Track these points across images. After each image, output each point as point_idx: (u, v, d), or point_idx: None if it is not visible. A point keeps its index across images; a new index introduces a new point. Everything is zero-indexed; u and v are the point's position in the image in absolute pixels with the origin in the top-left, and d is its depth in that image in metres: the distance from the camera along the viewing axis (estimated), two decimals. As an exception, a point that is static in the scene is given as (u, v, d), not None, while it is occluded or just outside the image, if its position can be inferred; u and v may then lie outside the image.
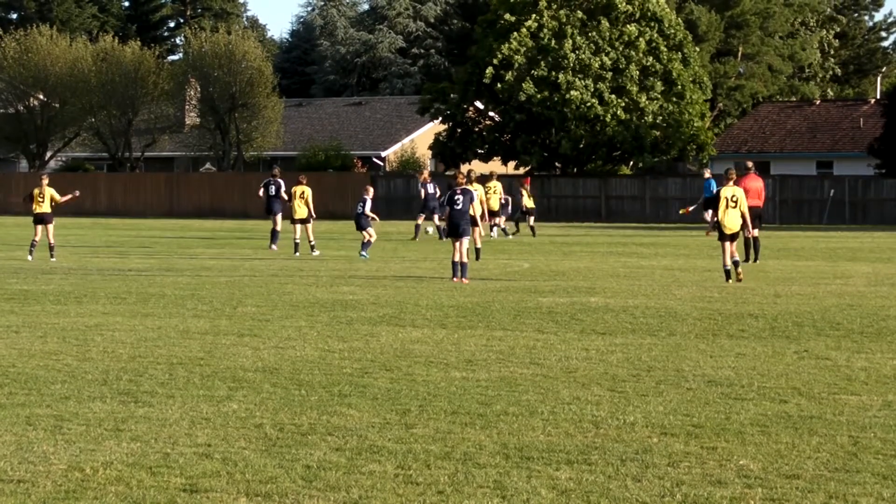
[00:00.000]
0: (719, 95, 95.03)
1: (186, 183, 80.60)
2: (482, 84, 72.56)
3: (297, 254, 35.87)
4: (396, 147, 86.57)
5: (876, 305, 21.48)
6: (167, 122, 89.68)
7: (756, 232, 33.23)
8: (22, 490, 8.88)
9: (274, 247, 38.06)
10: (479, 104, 75.36)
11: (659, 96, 71.97)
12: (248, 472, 9.41)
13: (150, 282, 26.15)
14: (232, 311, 20.29)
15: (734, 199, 26.11)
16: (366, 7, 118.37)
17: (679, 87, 72.16)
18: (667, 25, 73.29)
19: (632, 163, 75.50)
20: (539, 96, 70.79)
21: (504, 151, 74.67)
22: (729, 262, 26.23)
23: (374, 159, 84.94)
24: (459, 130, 75.28)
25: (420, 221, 46.34)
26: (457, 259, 26.50)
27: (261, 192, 39.88)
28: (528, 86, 70.90)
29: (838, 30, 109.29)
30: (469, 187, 27.75)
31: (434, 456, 9.90)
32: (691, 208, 58.05)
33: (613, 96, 71.15)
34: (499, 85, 71.70)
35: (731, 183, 26.56)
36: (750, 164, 34.89)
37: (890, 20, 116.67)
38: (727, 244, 26.12)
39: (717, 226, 26.57)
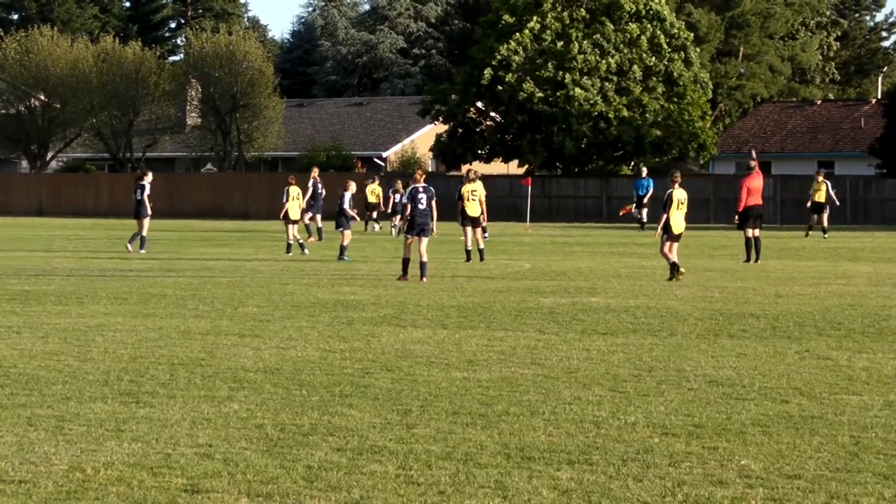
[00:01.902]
0: (720, 96, 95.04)
1: (187, 183, 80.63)
2: (482, 85, 72.61)
3: (305, 252, 35.93)
4: (397, 147, 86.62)
5: (877, 305, 21.48)
6: (168, 123, 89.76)
7: (757, 232, 33.26)
8: (23, 490, 8.88)
9: (142, 251, 36.64)
10: (479, 105, 75.41)
11: (660, 96, 72.02)
12: (250, 472, 9.41)
13: (151, 282, 26.15)
14: (233, 312, 20.29)
15: (683, 201, 26.97)
16: (367, 7, 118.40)
17: (681, 87, 72.22)
18: (669, 25, 73.38)
19: (633, 163, 75.54)
20: (539, 95, 70.78)
21: (506, 152, 74.71)
22: (674, 257, 26.78)
23: (375, 160, 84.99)
24: (461, 131, 75.34)
25: (310, 222, 45.01)
26: (410, 257, 26.70)
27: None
28: (528, 85, 70.91)
29: (839, 33, 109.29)
30: (426, 185, 28.02)
31: (435, 456, 9.90)
32: (632, 208, 58.23)
33: (617, 96, 71.23)
34: (499, 87, 71.74)
35: (678, 185, 27.22)
36: (753, 162, 34.68)
37: (891, 20, 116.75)
38: (673, 244, 26.74)
39: (666, 226, 26.82)
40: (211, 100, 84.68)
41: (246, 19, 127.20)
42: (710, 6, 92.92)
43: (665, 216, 26.88)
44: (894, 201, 67.87)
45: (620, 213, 60.57)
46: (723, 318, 19.46)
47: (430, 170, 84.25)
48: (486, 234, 43.86)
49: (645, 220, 56.27)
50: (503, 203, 70.70)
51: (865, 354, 15.50)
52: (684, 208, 27.04)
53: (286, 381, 13.44)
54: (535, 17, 72.25)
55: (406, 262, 26.67)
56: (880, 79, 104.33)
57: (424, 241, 26.86)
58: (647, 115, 71.20)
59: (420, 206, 27.01)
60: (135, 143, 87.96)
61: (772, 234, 52.73)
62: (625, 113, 70.91)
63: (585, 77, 71.11)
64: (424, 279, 26.41)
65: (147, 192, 37.96)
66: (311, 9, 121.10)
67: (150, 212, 37.85)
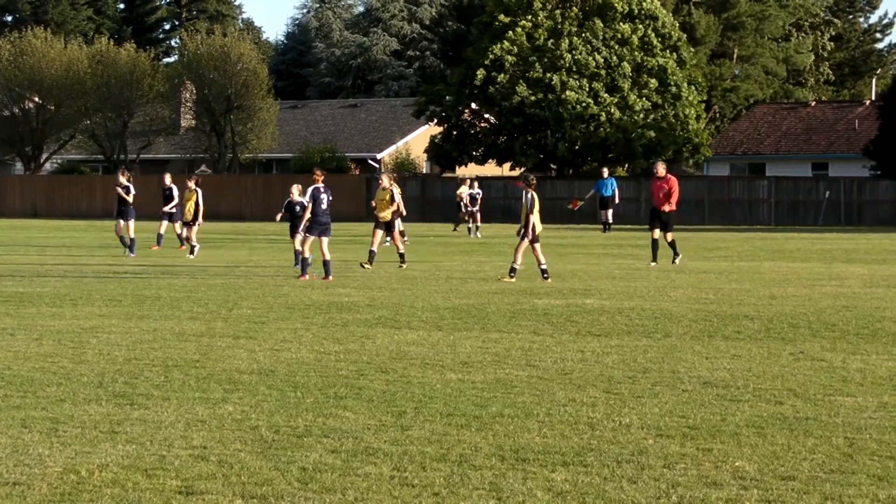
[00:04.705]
0: (714, 97, 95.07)
1: (181, 185, 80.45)
2: (476, 86, 72.62)
3: (192, 256, 35.64)
4: (391, 149, 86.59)
5: (871, 307, 21.48)
6: (162, 125, 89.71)
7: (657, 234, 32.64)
8: (17, 493, 8.88)
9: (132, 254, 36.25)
10: (474, 106, 75.41)
11: (653, 94, 72.02)
12: (244, 474, 9.40)
13: (145, 284, 26.14)
14: (227, 314, 20.27)
15: (538, 202, 27.67)
16: (361, 9, 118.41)
17: (673, 86, 72.25)
18: (661, 24, 73.41)
19: (627, 164, 75.61)
20: (533, 98, 70.81)
21: (500, 154, 74.69)
22: (542, 259, 27.32)
23: (370, 161, 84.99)
24: (455, 133, 75.31)
25: (172, 228, 40.69)
26: (327, 258, 27.26)
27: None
28: (521, 88, 70.93)
29: (833, 33, 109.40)
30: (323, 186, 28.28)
31: (430, 458, 9.90)
32: (580, 203, 58.51)
33: (607, 95, 71.25)
34: (491, 88, 71.75)
35: (534, 188, 27.80)
36: (663, 169, 33.29)
37: (885, 22, 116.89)
38: (536, 245, 27.21)
39: (532, 229, 27.24)
40: (205, 101, 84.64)
41: (240, 21, 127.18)
42: (706, 7, 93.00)
43: (530, 217, 27.27)
44: (888, 203, 67.96)
45: (572, 208, 60.92)
46: (717, 319, 19.46)
47: (424, 171, 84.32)
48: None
49: (611, 222, 56.15)
50: (498, 205, 70.74)
51: (860, 356, 15.51)
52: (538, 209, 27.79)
53: (281, 382, 13.43)
54: (528, 16, 72.28)
55: (305, 261, 27.32)
56: (874, 80, 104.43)
57: (325, 240, 27.49)
58: (637, 116, 71.20)
59: (322, 206, 27.66)
60: (129, 144, 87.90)
61: (766, 235, 52.79)
62: (617, 114, 70.91)
63: (574, 77, 71.10)
64: (329, 278, 26.91)
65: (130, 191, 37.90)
66: (305, 10, 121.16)
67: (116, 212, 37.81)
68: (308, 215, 27.61)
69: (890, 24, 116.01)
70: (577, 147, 72.18)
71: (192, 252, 36.15)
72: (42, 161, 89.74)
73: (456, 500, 8.73)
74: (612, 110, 70.83)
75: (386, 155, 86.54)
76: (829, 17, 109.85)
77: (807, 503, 8.67)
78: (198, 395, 12.68)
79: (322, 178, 28.35)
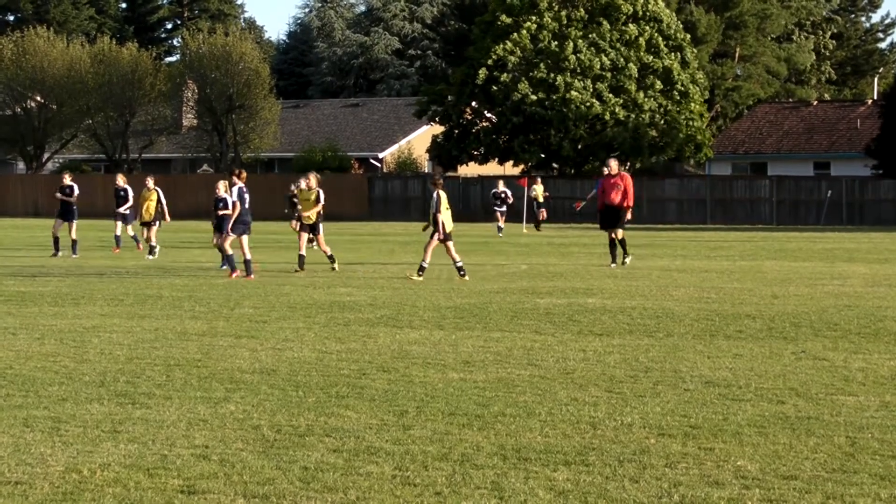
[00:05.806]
0: (716, 97, 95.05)
1: (184, 184, 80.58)
2: (477, 85, 72.63)
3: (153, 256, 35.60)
4: (393, 148, 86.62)
5: (873, 306, 21.47)
6: (164, 124, 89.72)
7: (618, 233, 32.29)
8: (19, 492, 8.88)
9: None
10: (475, 105, 75.42)
11: (658, 94, 72.04)
12: (246, 473, 9.40)
13: (147, 283, 26.14)
14: (229, 313, 20.27)
15: (445, 201, 27.67)
16: (362, 9, 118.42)
17: (680, 86, 72.27)
18: (666, 26, 73.44)
19: (629, 164, 75.60)
20: (534, 97, 70.80)
21: (501, 153, 74.69)
22: (457, 257, 27.60)
23: (372, 160, 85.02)
24: (457, 132, 75.31)
25: (131, 227, 39.48)
26: (249, 257, 27.69)
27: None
28: (523, 86, 70.93)
29: (835, 30, 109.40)
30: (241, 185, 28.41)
31: (431, 457, 9.90)
32: (583, 203, 58.73)
33: (612, 95, 71.26)
34: (493, 87, 71.74)
35: (441, 187, 27.87)
36: (616, 166, 32.75)
37: (887, 21, 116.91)
38: (448, 242, 27.42)
39: (442, 228, 27.40)
40: (207, 101, 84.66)
41: (242, 20, 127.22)
42: (708, 6, 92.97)
43: (438, 216, 27.28)
44: (890, 202, 67.95)
45: (576, 208, 61.03)
46: (719, 318, 19.45)
47: (426, 170, 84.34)
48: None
49: None
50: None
51: (861, 355, 15.50)
52: (448, 208, 27.74)
53: (282, 382, 13.43)
54: (532, 18, 72.28)
55: (249, 262, 27.59)
56: (876, 80, 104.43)
57: (246, 238, 27.82)
58: (643, 115, 71.23)
59: (246, 206, 28.01)
60: (131, 144, 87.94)
61: (768, 235, 52.78)
62: (621, 114, 70.92)
63: (578, 78, 71.12)
64: (252, 276, 27.17)
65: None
66: (307, 10, 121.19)
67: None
68: (235, 214, 27.94)
69: (892, 25, 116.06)
70: (580, 146, 72.16)
71: (151, 252, 35.85)
72: (44, 160, 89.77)
73: (458, 499, 8.73)
74: (617, 110, 70.83)
75: (388, 154, 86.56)
76: (830, 15, 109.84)
77: (809, 502, 8.67)
78: (199, 394, 12.68)
79: (245, 177, 28.62)
